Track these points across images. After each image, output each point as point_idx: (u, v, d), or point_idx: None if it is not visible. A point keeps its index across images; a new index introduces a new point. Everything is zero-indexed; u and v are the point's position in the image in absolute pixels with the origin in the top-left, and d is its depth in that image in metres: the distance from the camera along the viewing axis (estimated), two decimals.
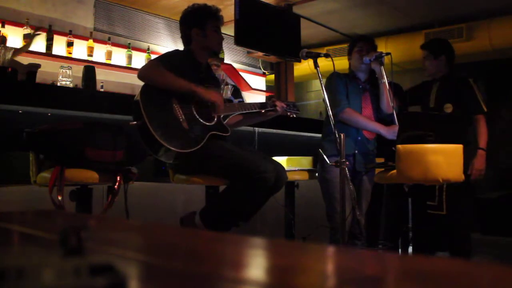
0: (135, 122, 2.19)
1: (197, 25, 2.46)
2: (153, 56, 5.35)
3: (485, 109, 3.10)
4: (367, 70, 2.95)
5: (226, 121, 2.49)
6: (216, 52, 2.66)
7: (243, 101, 4.29)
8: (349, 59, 3.05)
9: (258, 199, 2.25)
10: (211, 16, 2.49)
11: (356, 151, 2.88)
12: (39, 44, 4.57)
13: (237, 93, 4.20)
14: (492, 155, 3.27)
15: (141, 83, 2.25)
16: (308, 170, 2.92)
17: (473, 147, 3.12)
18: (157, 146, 2.13)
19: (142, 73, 2.29)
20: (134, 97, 2.24)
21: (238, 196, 2.22)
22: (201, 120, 2.31)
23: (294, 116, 2.72)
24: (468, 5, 5.48)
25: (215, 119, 2.37)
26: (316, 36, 6.52)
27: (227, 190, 2.25)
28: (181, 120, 2.24)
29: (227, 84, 4.17)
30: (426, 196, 3.11)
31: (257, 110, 2.58)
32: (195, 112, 2.31)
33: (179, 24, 2.55)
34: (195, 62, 2.49)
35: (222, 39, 2.56)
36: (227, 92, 3.15)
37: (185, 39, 2.53)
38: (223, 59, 4.26)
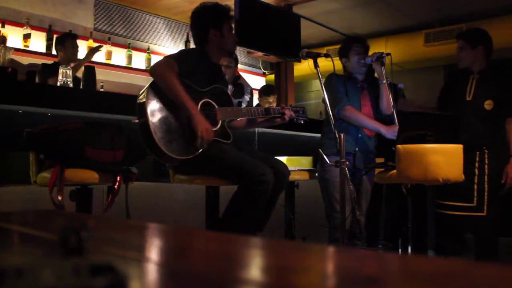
0: (137, 120, 2.17)
1: (214, 26, 2.41)
2: (153, 56, 5.36)
3: None
4: (365, 71, 2.96)
5: (230, 123, 2.47)
6: (232, 53, 2.63)
7: (249, 98, 4.28)
8: (343, 62, 3.02)
9: (261, 202, 2.22)
10: (227, 16, 2.46)
11: (357, 149, 2.89)
12: (39, 44, 4.58)
13: (240, 90, 4.19)
14: None
15: (141, 83, 2.23)
16: (308, 170, 2.92)
17: (500, 150, 2.97)
18: (155, 148, 2.11)
19: (154, 71, 2.23)
20: (139, 93, 2.21)
21: (243, 203, 2.20)
22: None
23: (302, 122, 2.69)
24: (468, 5, 5.48)
25: (219, 124, 2.33)
26: (316, 36, 6.52)
27: (232, 202, 2.23)
28: (184, 123, 2.21)
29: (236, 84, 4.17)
30: (460, 198, 2.96)
31: (264, 117, 2.55)
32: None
33: (192, 24, 2.49)
34: (209, 62, 2.45)
35: (237, 39, 2.53)
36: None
37: (201, 39, 2.46)
38: (237, 60, 4.24)
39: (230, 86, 3.96)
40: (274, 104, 4.69)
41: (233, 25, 2.51)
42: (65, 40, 3.92)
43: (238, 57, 5.08)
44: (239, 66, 6.29)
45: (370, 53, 2.97)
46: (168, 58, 2.32)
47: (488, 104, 2.94)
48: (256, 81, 6.54)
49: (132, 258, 0.59)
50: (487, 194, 2.94)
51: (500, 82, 3.02)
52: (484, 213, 2.93)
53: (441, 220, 3.05)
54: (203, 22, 2.45)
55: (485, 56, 3.01)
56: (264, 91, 4.91)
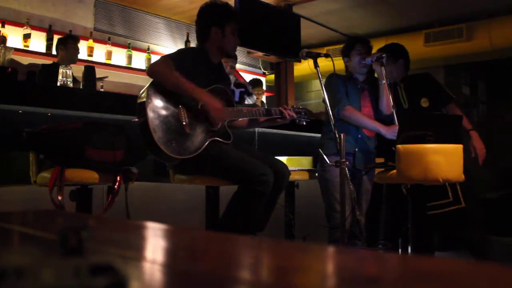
0: (136, 119, 2.17)
1: (217, 24, 2.41)
2: (153, 56, 5.36)
3: (453, 96, 3.19)
4: (366, 71, 2.96)
5: (231, 123, 2.47)
6: (230, 55, 2.63)
7: (248, 97, 4.29)
8: (345, 61, 3.03)
9: (261, 202, 2.22)
10: (232, 18, 2.46)
11: (357, 149, 2.89)
12: (39, 44, 4.58)
13: (245, 90, 4.21)
14: (492, 155, 3.27)
15: (141, 83, 2.24)
16: (308, 170, 2.91)
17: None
18: (154, 147, 2.10)
19: (152, 69, 2.24)
20: (139, 93, 2.21)
21: (243, 203, 2.19)
22: (205, 125, 2.26)
23: (304, 123, 2.69)
24: (468, 5, 5.48)
25: (219, 124, 2.33)
26: (316, 36, 6.52)
27: (231, 202, 2.22)
28: (184, 123, 2.19)
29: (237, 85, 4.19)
30: (437, 197, 3.06)
31: (265, 118, 2.54)
32: (200, 115, 2.25)
33: (197, 18, 2.49)
34: (208, 61, 2.45)
35: (239, 43, 2.54)
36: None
37: (202, 35, 2.46)
38: (236, 59, 4.27)
39: (236, 90, 3.97)
40: (260, 97, 4.73)
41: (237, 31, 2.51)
42: (67, 41, 3.95)
43: (238, 57, 5.13)
44: (240, 66, 6.31)
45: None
46: (164, 58, 2.32)
47: (424, 102, 3.12)
48: None
49: (132, 258, 0.59)
50: (459, 186, 3.01)
51: (424, 81, 3.23)
52: (463, 204, 3.01)
53: (433, 221, 3.13)
54: (207, 18, 2.46)
55: (405, 68, 3.23)
56: (251, 84, 4.97)
